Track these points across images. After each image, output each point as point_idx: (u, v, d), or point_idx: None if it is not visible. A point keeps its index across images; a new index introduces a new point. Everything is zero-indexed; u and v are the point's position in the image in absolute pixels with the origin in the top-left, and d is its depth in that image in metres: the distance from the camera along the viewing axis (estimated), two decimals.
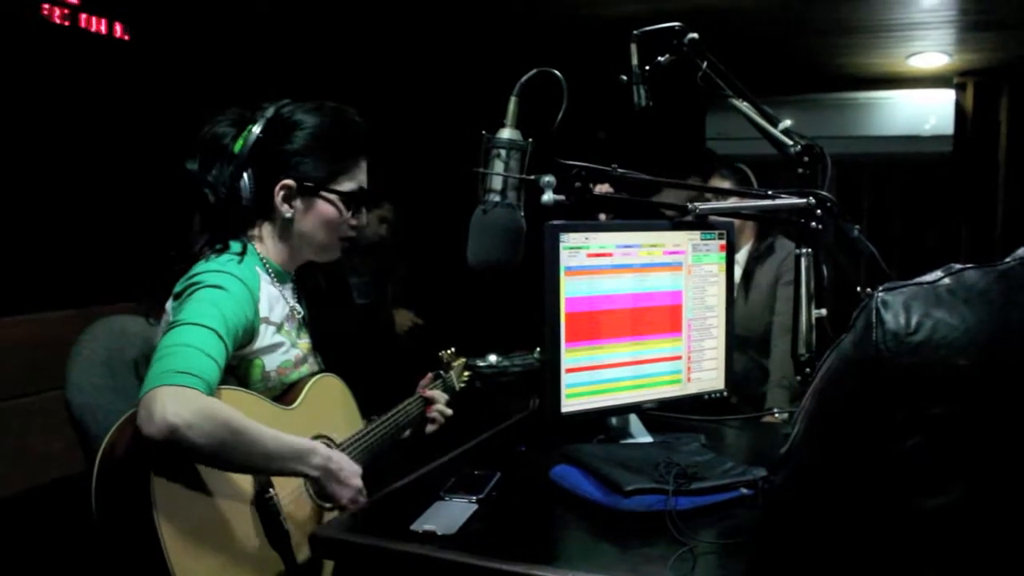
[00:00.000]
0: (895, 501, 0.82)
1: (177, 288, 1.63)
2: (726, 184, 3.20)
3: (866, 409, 0.84)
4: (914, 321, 0.83)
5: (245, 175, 1.73)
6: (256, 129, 1.74)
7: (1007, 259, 0.84)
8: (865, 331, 0.85)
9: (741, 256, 3.24)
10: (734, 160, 3.40)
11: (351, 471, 1.63)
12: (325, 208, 1.77)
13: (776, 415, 2.42)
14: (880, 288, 0.87)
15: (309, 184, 1.75)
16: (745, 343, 3.15)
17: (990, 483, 0.78)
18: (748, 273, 3.22)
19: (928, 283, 0.86)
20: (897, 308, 0.84)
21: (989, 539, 0.79)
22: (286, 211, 1.75)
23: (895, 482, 0.82)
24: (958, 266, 0.86)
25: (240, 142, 1.74)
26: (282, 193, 1.74)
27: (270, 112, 1.76)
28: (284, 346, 1.74)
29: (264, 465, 1.52)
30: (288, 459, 1.53)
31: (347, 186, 1.78)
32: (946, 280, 0.85)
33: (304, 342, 1.83)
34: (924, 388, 0.81)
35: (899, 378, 0.82)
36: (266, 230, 1.78)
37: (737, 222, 2.66)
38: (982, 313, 0.81)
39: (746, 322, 3.14)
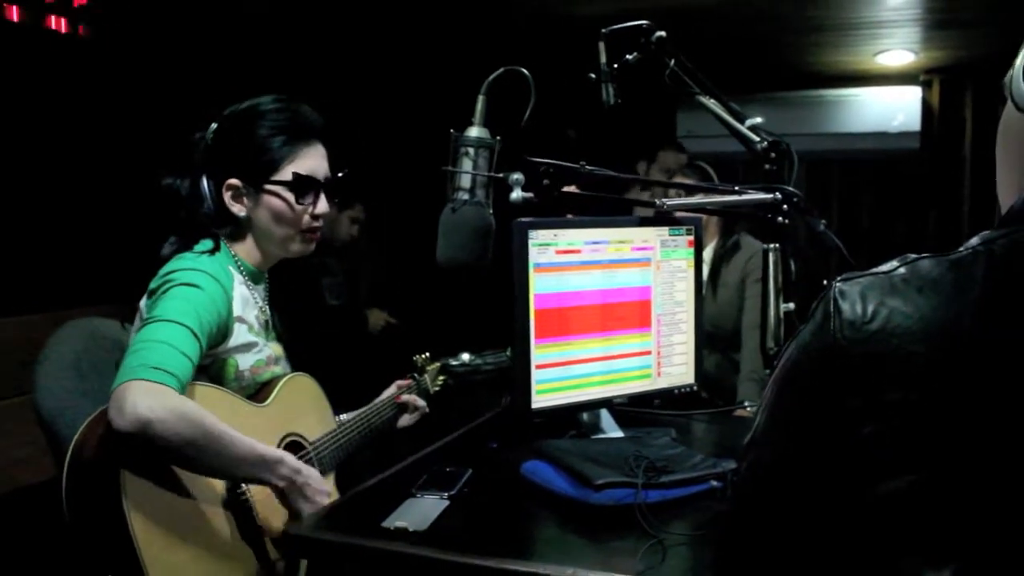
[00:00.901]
0: (854, 487, 0.83)
1: (152, 285, 1.63)
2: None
3: (824, 397, 0.86)
4: (870, 310, 0.84)
5: (204, 180, 1.74)
6: (209, 134, 1.76)
7: (960, 248, 0.86)
8: (823, 321, 0.87)
9: (707, 254, 3.27)
10: (697, 159, 3.45)
11: (317, 489, 1.63)
12: (273, 200, 1.74)
13: (748, 408, 2.45)
14: (838, 279, 0.89)
15: (250, 179, 1.74)
16: (715, 340, 3.19)
17: (945, 468, 0.80)
18: (715, 271, 3.25)
19: (884, 273, 0.87)
20: (854, 297, 0.86)
21: (950, 523, 0.80)
22: (238, 210, 1.75)
23: (853, 469, 0.83)
24: (913, 256, 0.88)
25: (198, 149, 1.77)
26: (229, 193, 1.74)
27: (223, 115, 1.78)
28: (257, 345, 1.74)
29: (231, 469, 1.53)
30: (255, 466, 1.54)
31: (289, 174, 1.74)
32: (901, 269, 0.87)
33: (275, 344, 1.83)
34: (879, 375, 0.82)
35: (855, 366, 0.83)
36: (232, 232, 1.79)
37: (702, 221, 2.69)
38: (935, 301, 0.83)
39: (716, 319, 3.18)
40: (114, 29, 3.21)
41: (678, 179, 3.27)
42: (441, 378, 2.29)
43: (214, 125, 1.78)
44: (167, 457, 1.47)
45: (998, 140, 0.98)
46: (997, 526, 0.78)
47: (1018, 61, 0.92)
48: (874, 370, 0.82)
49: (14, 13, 2.86)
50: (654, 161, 4.07)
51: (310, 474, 1.62)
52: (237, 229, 1.78)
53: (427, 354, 2.29)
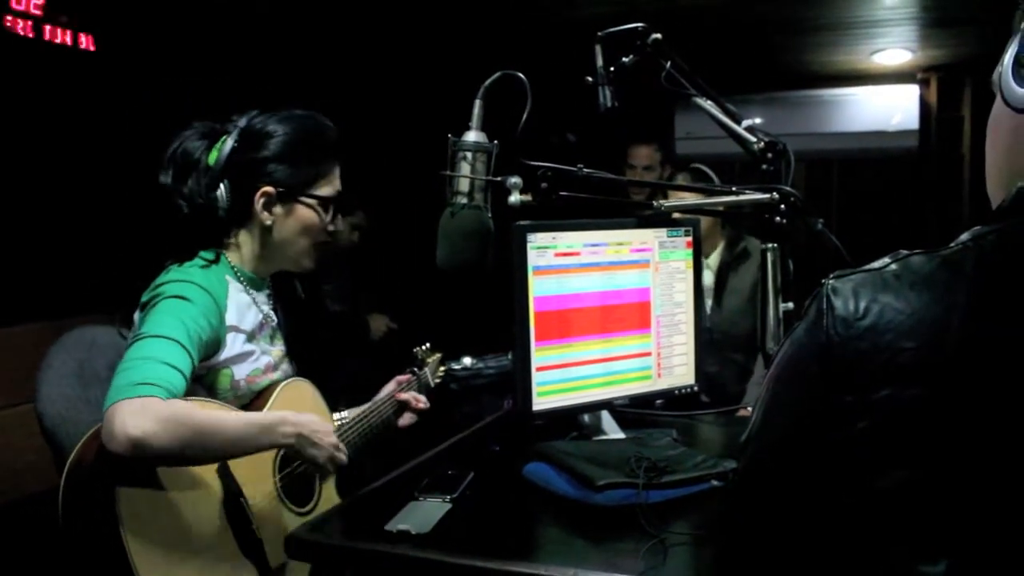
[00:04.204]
0: (849, 482, 0.84)
1: (143, 298, 1.64)
2: None
3: (817, 394, 0.86)
4: (862, 306, 0.85)
5: (221, 186, 1.73)
6: (230, 140, 1.75)
7: (951, 244, 0.86)
8: (816, 318, 0.88)
9: (712, 261, 3.25)
10: (692, 161, 3.43)
11: (323, 430, 1.66)
12: (305, 213, 1.78)
13: (748, 409, 2.44)
14: (831, 276, 0.90)
15: (288, 190, 1.76)
16: (724, 346, 3.16)
17: (939, 464, 0.80)
18: (722, 280, 3.22)
19: (876, 269, 0.88)
20: (847, 294, 0.87)
21: (945, 518, 0.81)
22: (266, 218, 1.75)
23: (848, 464, 0.84)
24: (905, 252, 0.88)
25: (214, 153, 1.74)
26: (262, 200, 1.74)
27: (242, 122, 1.77)
28: (254, 354, 1.75)
29: (236, 449, 1.54)
30: (259, 435, 1.56)
31: (325, 191, 1.80)
32: (893, 266, 0.87)
33: (277, 349, 1.84)
34: (872, 372, 0.83)
35: (848, 362, 0.84)
36: (243, 238, 1.79)
37: (705, 227, 2.68)
38: (926, 297, 0.83)
39: (722, 326, 3.16)
40: (118, 41, 3.22)
41: (678, 179, 3.27)
42: (442, 369, 2.29)
43: (233, 135, 1.76)
44: (170, 463, 1.48)
45: (987, 136, 0.99)
46: (992, 522, 0.79)
47: (1005, 57, 0.92)
48: (867, 366, 0.83)
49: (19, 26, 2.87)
50: (626, 158, 4.06)
51: (310, 420, 1.65)
52: (249, 235, 1.79)
53: (427, 345, 2.28)
